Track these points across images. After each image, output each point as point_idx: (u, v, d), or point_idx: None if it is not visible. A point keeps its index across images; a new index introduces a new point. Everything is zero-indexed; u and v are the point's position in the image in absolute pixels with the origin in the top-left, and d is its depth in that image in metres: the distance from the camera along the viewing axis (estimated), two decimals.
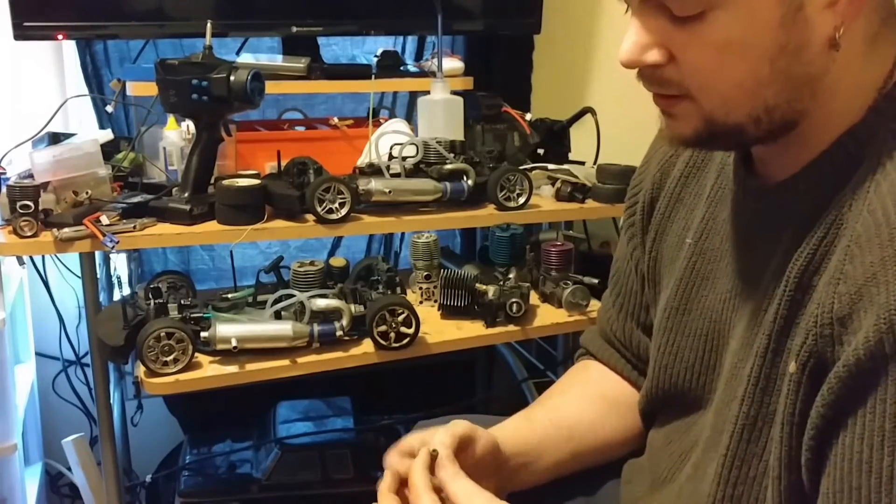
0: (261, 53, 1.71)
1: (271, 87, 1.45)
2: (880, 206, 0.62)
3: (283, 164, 1.45)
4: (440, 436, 0.79)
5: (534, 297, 1.46)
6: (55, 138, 1.50)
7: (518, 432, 0.90)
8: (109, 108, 1.65)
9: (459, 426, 0.81)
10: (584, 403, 0.98)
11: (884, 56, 0.68)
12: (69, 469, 1.72)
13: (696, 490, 0.79)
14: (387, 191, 1.39)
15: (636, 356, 0.99)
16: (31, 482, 1.71)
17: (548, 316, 1.43)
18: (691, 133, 0.70)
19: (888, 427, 0.58)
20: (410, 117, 1.90)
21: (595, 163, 1.70)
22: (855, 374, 0.60)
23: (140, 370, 1.21)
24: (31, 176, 1.33)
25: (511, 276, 1.42)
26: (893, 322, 0.58)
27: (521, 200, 1.47)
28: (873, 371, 0.59)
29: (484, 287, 1.38)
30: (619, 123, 1.77)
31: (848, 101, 0.68)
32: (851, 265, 0.62)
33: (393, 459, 0.81)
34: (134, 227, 1.29)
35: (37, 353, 1.82)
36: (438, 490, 0.76)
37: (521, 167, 1.54)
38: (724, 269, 0.81)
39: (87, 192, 1.33)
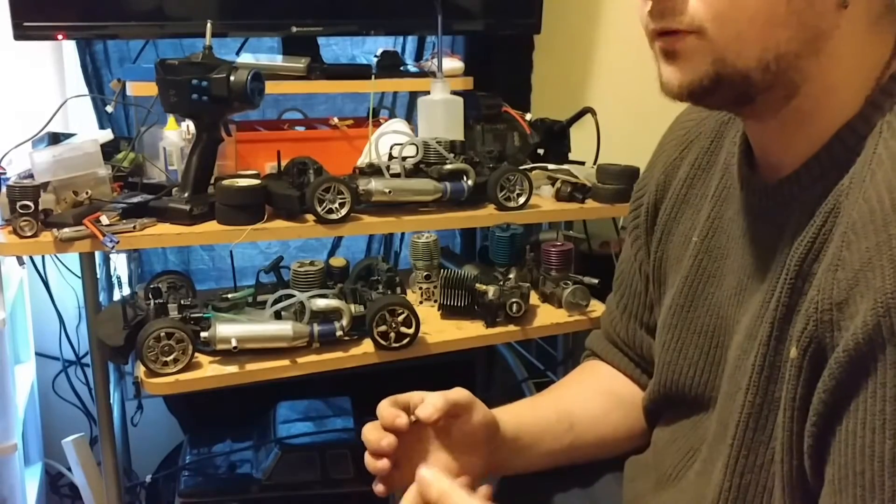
0: (261, 53, 1.71)
1: (271, 87, 1.44)
2: (875, 193, 0.63)
3: (283, 164, 1.45)
4: (433, 397, 0.82)
5: (534, 297, 1.46)
6: (55, 138, 1.50)
7: (520, 416, 0.91)
8: (109, 108, 1.64)
9: (454, 393, 0.84)
10: (589, 397, 0.99)
11: (884, 42, 0.69)
12: (69, 469, 1.72)
13: (706, 484, 0.79)
14: (387, 191, 1.39)
15: (640, 356, 1.00)
16: (31, 482, 1.71)
17: (548, 316, 1.43)
18: (696, 77, 0.68)
19: (889, 410, 0.59)
20: (410, 117, 1.90)
21: (595, 163, 1.70)
22: (854, 358, 0.61)
23: (140, 370, 1.21)
24: (31, 176, 1.33)
25: (511, 276, 1.42)
26: (890, 306, 0.58)
27: (521, 200, 1.47)
28: (872, 355, 0.60)
29: (484, 287, 1.38)
30: (619, 123, 1.77)
31: (847, 82, 0.68)
32: (848, 251, 0.62)
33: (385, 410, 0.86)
34: (134, 227, 1.29)
35: (37, 353, 1.81)
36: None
37: (521, 167, 1.54)
38: (730, 266, 0.82)
39: (87, 192, 1.33)
